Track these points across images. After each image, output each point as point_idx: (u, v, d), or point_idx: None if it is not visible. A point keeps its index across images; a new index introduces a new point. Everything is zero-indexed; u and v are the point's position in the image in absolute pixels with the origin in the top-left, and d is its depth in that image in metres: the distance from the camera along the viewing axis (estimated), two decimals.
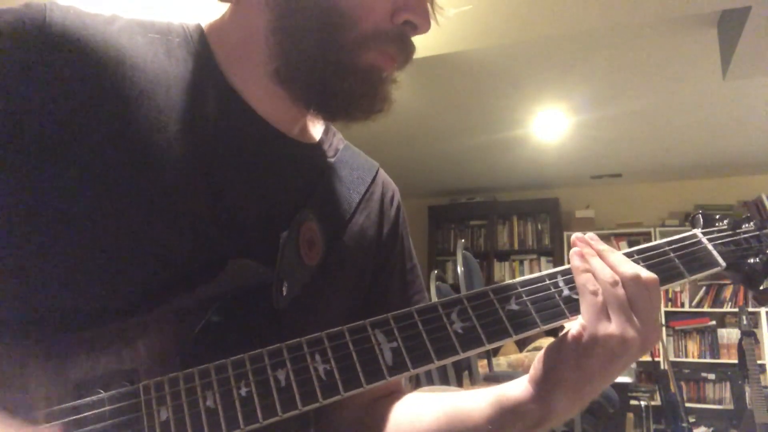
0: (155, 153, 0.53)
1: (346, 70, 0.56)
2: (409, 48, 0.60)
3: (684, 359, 4.73)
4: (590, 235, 0.56)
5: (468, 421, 0.58)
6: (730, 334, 4.61)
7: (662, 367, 4.32)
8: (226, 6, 0.62)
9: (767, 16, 2.24)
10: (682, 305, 4.84)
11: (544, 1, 2.25)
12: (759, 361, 3.71)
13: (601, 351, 0.50)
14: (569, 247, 0.58)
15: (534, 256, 5.40)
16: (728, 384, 4.40)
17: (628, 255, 0.58)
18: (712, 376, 4.64)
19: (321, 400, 0.46)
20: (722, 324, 4.71)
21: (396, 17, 0.57)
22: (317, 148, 0.68)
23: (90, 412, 0.43)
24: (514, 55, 2.99)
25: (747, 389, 3.51)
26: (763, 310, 4.50)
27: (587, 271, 0.53)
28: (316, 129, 0.71)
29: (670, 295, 4.94)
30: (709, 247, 0.63)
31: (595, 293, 0.51)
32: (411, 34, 0.59)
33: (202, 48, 0.60)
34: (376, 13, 0.56)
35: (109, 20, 0.56)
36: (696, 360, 4.72)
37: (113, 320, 0.49)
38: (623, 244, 5.05)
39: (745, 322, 3.62)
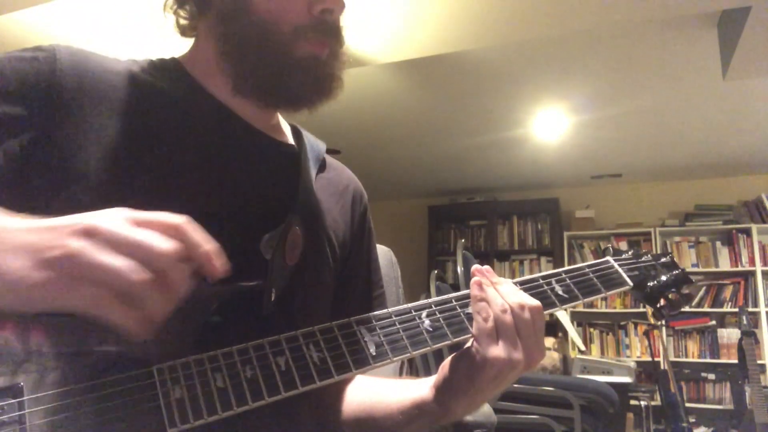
0: (138, 153, 0.60)
1: (284, 67, 0.64)
2: (334, 29, 0.68)
3: (684, 359, 4.73)
4: (487, 268, 0.64)
5: (386, 408, 0.70)
6: (730, 334, 4.61)
7: (662, 367, 4.32)
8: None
9: (767, 16, 2.24)
10: None
11: (544, 1, 2.25)
12: (759, 361, 3.71)
13: (490, 369, 0.58)
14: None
15: (534, 256, 5.39)
16: (728, 384, 4.40)
17: (553, 276, 0.70)
18: (712, 376, 4.64)
19: (317, 382, 0.53)
20: (722, 324, 4.71)
21: (313, 9, 0.65)
22: (293, 147, 0.75)
23: (108, 390, 0.46)
24: (514, 55, 3.00)
25: (747, 389, 3.51)
26: (763, 310, 4.50)
27: (483, 299, 0.61)
28: (286, 128, 0.78)
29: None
30: (620, 270, 0.77)
31: (486, 320, 0.59)
32: (330, 18, 0.66)
33: (181, 72, 0.69)
34: (292, 12, 0.64)
35: (107, 56, 0.67)
36: (696, 360, 4.71)
37: None
38: (623, 244, 5.05)
39: (745, 322, 3.62)
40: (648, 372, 4.66)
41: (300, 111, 0.68)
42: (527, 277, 0.69)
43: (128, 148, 0.60)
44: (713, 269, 4.79)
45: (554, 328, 4.59)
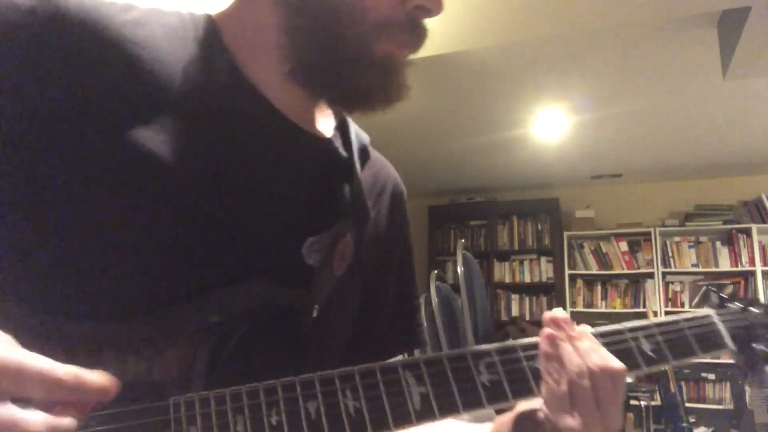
0: (168, 150, 0.50)
1: (361, 64, 0.54)
2: (422, 32, 0.58)
3: None
4: (563, 318, 0.53)
5: None
6: None
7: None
8: None
9: (767, 16, 2.24)
10: (683, 305, 4.84)
11: (544, 1, 2.25)
12: None
13: None
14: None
15: (534, 256, 5.40)
16: (728, 384, 4.41)
17: (642, 329, 0.59)
18: (712, 376, 4.64)
19: None
20: None
21: (407, 3, 0.55)
22: (332, 143, 0.64)
23: (119, 424, 0.41)
24: (514, 55, 2.99)
25: (747, 389, 3.51)
26: None
27: (555, 358, 0.51)
28: (327, 121, 0.67)
29: (669, 296, 4.93)
30: (722, 329, 0.64)
31: (557, 382, 0.50)
32: (422, 17, 0.57)
33: (215, 41, 0.57)
34: (385, 2, 0.54)
35: (125, 8, 0.54)
36: (696, 360, 4.71)
37: (130, 323, 0.48)
38: (623, 244, 5.05)
39: None
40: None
41: (354, 113, 0.60)
42: (610, 327, 0.58)
43: (143, 135, 0.49)
44: (713, 269, 4.79)
45: None
